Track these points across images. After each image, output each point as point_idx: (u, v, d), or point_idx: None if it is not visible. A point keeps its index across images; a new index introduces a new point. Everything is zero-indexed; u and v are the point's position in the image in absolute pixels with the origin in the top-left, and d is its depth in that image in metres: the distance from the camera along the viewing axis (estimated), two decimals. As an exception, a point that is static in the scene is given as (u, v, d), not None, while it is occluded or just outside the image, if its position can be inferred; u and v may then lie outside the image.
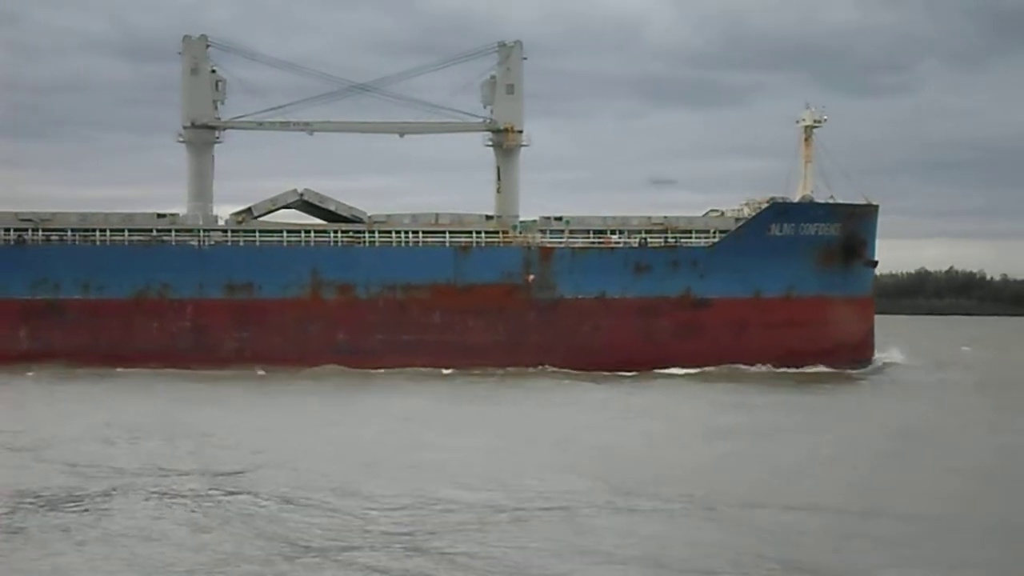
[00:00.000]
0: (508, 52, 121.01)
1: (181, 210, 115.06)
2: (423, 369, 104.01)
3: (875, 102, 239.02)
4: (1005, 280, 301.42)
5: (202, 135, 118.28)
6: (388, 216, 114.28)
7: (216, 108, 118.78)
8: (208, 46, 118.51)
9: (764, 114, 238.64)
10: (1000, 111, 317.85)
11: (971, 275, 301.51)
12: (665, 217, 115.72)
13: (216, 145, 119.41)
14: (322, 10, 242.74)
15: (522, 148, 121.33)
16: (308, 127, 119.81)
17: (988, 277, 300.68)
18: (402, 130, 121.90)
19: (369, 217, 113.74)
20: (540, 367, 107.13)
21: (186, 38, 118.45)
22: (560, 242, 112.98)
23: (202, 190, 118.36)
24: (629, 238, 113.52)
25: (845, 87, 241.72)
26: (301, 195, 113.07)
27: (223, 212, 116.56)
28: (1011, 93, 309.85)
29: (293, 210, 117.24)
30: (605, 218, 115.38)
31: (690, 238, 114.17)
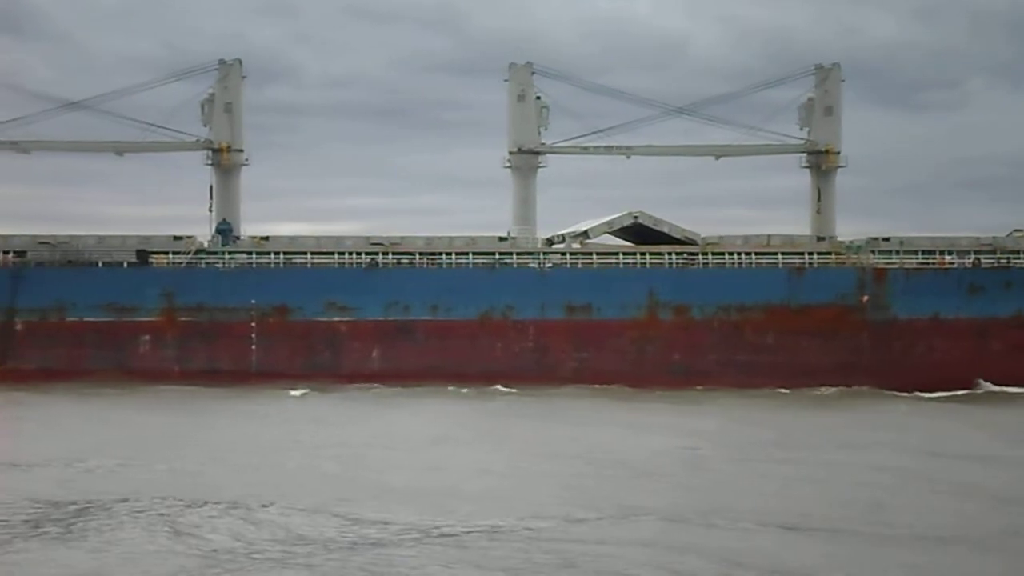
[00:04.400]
0: (826, 74, 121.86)
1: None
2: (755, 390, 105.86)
3: (922, 118, 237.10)
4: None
5: (527, 160, 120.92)
6: (720, 238, 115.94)
7: (539, 134, 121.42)
8: (533, 72, 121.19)
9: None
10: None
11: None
12: (994, 237, 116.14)
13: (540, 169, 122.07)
14: (364, 31, 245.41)
15: (839, 168, 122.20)
16: (629, 151, 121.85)
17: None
18: (719, 152, 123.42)
19: (703, 239, 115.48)
20: (871, 388, 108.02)
21: (512, 65, 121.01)
22: (893, 263, 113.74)
23: (527, 214, 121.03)
24: (960, 258, 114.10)
25: (891, 103, 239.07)
26: (636, 218, 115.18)
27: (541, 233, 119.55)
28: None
29: (606, 233, 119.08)
30: (933, 238, 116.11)
31: (1020, 258, 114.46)
